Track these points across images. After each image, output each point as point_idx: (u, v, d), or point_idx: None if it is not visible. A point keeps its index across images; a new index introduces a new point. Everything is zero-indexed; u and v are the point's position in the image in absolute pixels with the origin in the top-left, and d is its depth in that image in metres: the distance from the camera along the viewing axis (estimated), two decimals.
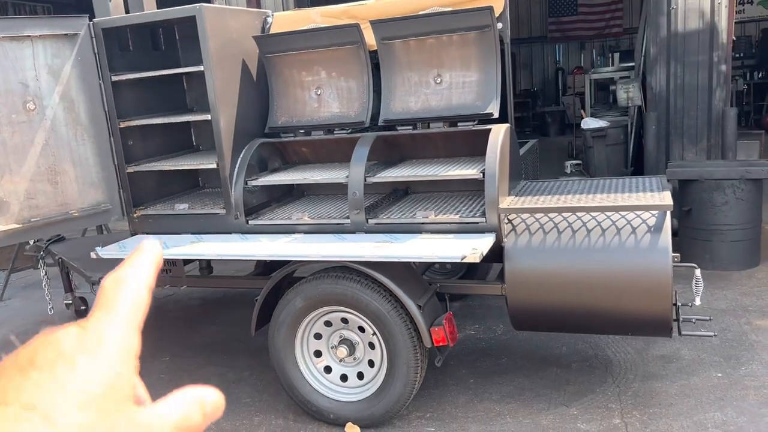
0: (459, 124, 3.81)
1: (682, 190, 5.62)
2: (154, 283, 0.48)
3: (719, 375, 3.84)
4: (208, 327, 5.42)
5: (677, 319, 3.46)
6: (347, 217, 3.73)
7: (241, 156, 4.01)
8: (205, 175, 4.91)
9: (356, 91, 4.09)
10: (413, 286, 3.51)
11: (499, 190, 3.41)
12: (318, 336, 3.68)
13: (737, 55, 13.29)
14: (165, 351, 4.96)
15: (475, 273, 4.97)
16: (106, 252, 3.89)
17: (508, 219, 3.52)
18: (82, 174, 4.02)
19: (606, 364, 4.10)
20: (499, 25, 3.69)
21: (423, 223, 3.59)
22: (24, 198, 3.78)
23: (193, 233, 4.09)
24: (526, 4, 17.50)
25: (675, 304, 3.39)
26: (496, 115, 3.68)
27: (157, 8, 4.91)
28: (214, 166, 3.99)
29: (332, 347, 3.66)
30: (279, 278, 3.72)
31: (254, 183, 4.00)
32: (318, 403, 3.66)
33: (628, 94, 7.69)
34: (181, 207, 4.19)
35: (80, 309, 5.79)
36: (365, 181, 3.64)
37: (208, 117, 3.91)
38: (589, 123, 8.46)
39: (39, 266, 5.31)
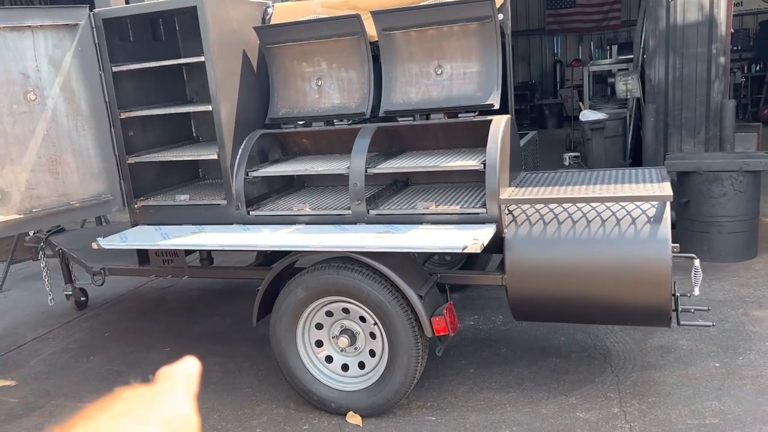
0: (460, 115, 3.82)
1: (680, 182, 5.64)
2: (199, 377, 0.62)
3: (717, 365, 3.87)
4: (209, 318, 5.43)
5: (676, 309, 3.49)
6: (348, 208, 3.74)
7: (242, 147, 4.02)
8: (205, 166, 4.92)
9: (357, 82, 4.09)
10: (414, 276, 3.53)
11: (499, 181, 3.43)
12: (319, 326, 3.70)
13: (735, 48, 13.30)
14: (166, 341, 4.98)
15: (474, 264, 4.99)
16: (107, 242, 3.90)
17: (508, 210, 3.54)
18: (82, 165, 4.02)
19: (605, 354, 4.13)
20: (500, 16, 3.69)
21: (424, 214, 3.61)
22: (25, 188, 3.78)
23: (194, 224, 4.10)
24: None
25: (674, 295, 3.41)
26: (496, 106, 3.70)
27: None
28: (215, 157, 3.99)
29: (333, 337, 3.68)
30: (280, 269, 3.73)
31: (255, 174, 4.01)
32: (319, 393, 3.69)
33: (627, 86, 7.70)
34: (182, 198, 4.20)
35: (80, 300, 5.81)
36: (366, 172, 3.65)
37: (209, 108, 3.91)
38: (587, 115, 8.47)
39: (39, 257, 5.32)
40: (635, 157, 7.77)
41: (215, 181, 4.73)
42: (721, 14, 6.44)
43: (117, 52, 4.13)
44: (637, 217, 3.28)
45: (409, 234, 3.44)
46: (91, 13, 3.96)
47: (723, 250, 5.54)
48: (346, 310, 3.62)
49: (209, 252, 4.48)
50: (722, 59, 6.52)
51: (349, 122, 4.15)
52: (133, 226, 4.30)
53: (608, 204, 3.38)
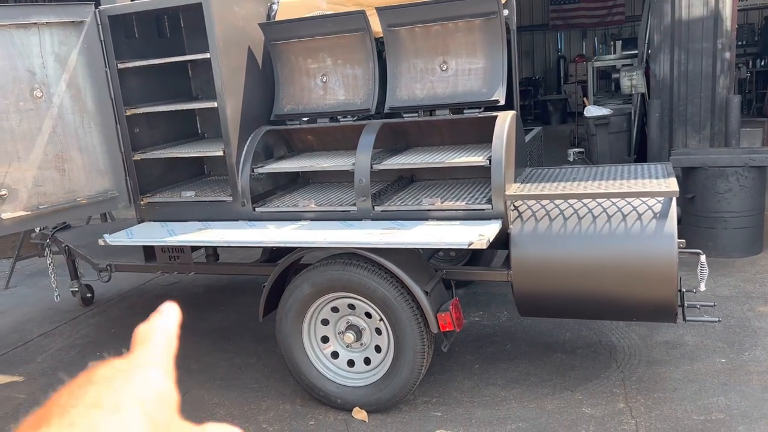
0: (465, 111, 3.82)
1: (685, 178, 5.63)
2: (178, 331, 0.57)
3: (723, 360, 3.87)
4: (214, 314, 5.45)
5: (682, 305, 3.49)
6: (353, 204, 3.74)
7: (248, 143, 4.03)
8: (210, 163, 4.93)
9: (362, 79, 4.09)
10: (420, 272, 3.53)
11: (505, 177, 3.42)
12: (325, 322, 3.71)
13: (740, 43, 13.24)
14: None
15: (479, 260, 4.99)
16: (114, 239, 3.92)
17: (514, 206, 3.54)
18: (89, 161, 4.04)
19: (610, 349, 4.14)
20: (505, 12, 3.69)
21: (429, 210, 3.61)
22: (32, 185, 3.80)
23: (199, 220, 4.11)
24: None
25: (680, 290, 3.41)
26: (502, 102, 3.69)
27: None
28: (220, 153, 4.00)
29: (339, 333, 3.69)
30: (286, 265, 3.75)
31: (260, 170, 4.02)
32: (325, 388, 3.70)
33: (631, 81, 7.69)
34: (188, 194, 4.21)
35: (86, 296, 5.83)
36: (371, 168, 3.66)
37: (215, 104, 3.92)
38: (592, 111, 8.46)
39: (45, 254, 5.34)
40: (640, 153, 7.76)
41: (221, 177, 4.74)
42: (727, 9, 6.42)
43: (122, 49, 4.14)
44: (643, 212, 3.28)
45: (414, 230, 3.45)
46: (97, 10, 3.97)
47: (728, 245, 5.54)
48: (351, 306, 3.63)
49: (215, 248, 4.49)
50: (727, 54, 6.50)
51: (354, 118, 4.15)
52: (139, 222, 4.32)
53: (614, 200, 3.38)
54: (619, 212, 3.33)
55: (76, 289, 5.63)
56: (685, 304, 3.53)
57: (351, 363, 3.72)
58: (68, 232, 5.35)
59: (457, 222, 3.51)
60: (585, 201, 3.42)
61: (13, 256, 6.62)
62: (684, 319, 3.54)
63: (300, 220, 3.87)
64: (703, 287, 3.43)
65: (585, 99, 11.04)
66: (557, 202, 3.47)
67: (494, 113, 3.64)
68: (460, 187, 4.06)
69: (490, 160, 3.46)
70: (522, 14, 17.26)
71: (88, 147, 4.02)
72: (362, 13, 3.88)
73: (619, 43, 13.48)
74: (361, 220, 3.72)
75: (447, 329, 3.39)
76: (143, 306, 5.85)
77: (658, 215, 3.25)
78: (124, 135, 4.15)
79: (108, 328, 5.35)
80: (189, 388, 4.16)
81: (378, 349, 3.64)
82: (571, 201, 3.45)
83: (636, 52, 9.75)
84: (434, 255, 4.96)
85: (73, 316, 5.66)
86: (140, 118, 4.27)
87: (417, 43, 3.87)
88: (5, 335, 5.39)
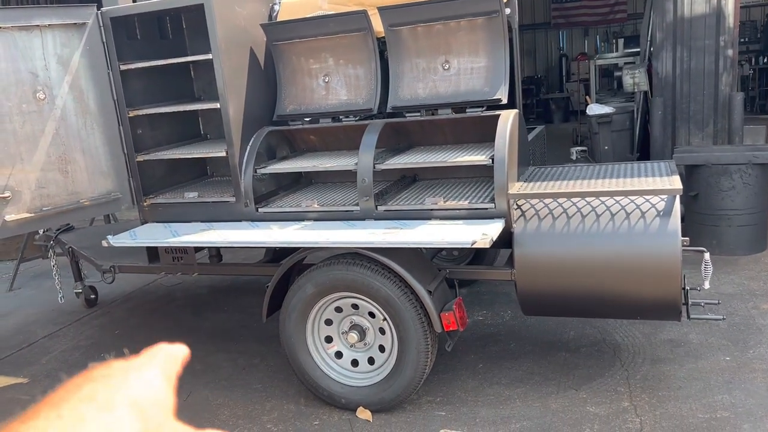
0: (467, 110, 3.82)
1: (688, 176, 5.62)
2: (181, 369, 0.57)
3: (727, 358, 3.86)
4: (217, 314, 5.46)
5: (686, 303, 3.48)
6: (356, 204, 3.74)
7: (250, 144, 4.03)
8: (213, 164, 4.93)
9: (364, 78, 4.09)
10: (423, 271, 3.53)
11: (508, 176, 3.42)
12: (329, 322, 3.72)
13: (742, 40, 13.21)
14: (175, 338, 4.91)
15: (482, 259, 4.99)
16: (117, 240, 3.92)
17: (517, 204, 3.53)
18: (92, 163, 4.04)
19: (614, 348, 4.13)
20: (507, 11, 3.69)
21: (432, 210, 3.61)
22: (35, 187, 3.81)
23: (203, 221, 4.12)
24: None
25: (684, 288, 3.40)
26: (504, 100, 3.69)
27: None
28: (223, 154, 4.01)
29: (343, 333, 3.69)
30: (289, 265, 3.75)
31: (263, 171, 4.02)
32: (329, 388, 3.70)
33: (634, 79, 7.67)
34: (191, 195, 4.21)
35: (90, 298, 5.84)
36: (374, 168, 3.65)
37: (217, 105, 3.92)
38: (594, 109, 8.44)
39: (48, 256, 5.35)
40: (643, 151, 7.74)
41: (223, 178, 4.74)
42: (729, 6, 6.40)
43: (125, 50, 4.14)
44: (647, 210, 3.28)
45: (417, 229, 3.45)
46: (99, 12, 3.98)
47: (732, 243, 5.52)
48: (355, 306, 3.63)
49: (218, 249, 4.50)
50: (730, 51, 6.48)
51: (357, 118, 4.15)
52: (142, 223, 4.32)
53: (617, 198, 3.38)
54: (622, 210, 3.32)
55: (80, 290, 5.64)
56: (690, 302, 3.52)
57: (355, 363, 3.72)
58: (72, 234, 5.36)
59: (460, 221, 3.51)
60: (588, 199, 3.42)
61: (17, 258, 6.63)
62: (688, 317, 3.53)
63: (303, 220, 3.87)
64: (707, 285, 3.43)
65: (587, 97, 11.02)
66: (560, 200, 3.47)
67: (497, 112, 3.63)
68: (463, 187, 4.05)
69: (492, 159, 3.46)
70: (524, 13, 17.25)
71: (91, 149, 4.02)
72: (364, 12, 3.88)
73: (621, 41, 13.46)
74: (364, 219, 3.72)
75: (450, 328, 3.39)
76: (147, 307, 5.86)
77: (661, 213, 3.24)
78: (127, 136, 4.16)
79: (112, 330, 5.36)
80: (193, 389, 4.17)
81: (382, 348, 3.64)
82: (574, 199, 3.44)
83: (638, 50, 9.73)
84: (437, 254, 4.96)
85: (77, 317, 5.68)
86: (143, 120, 4.27)
87: (419, 42, 3.87)
88: (10, 337, 5.40)
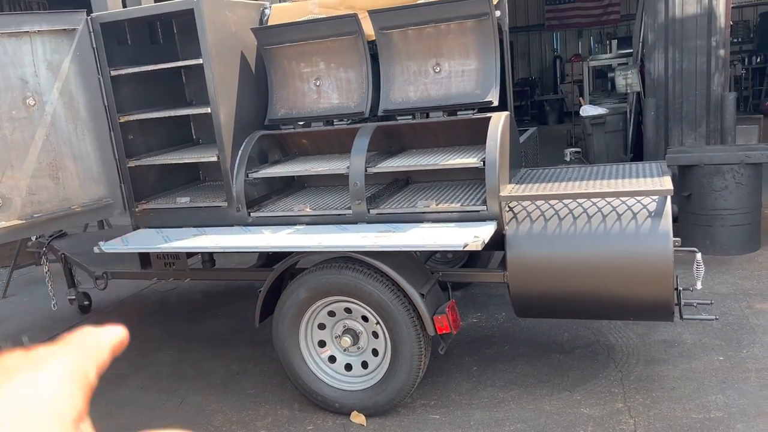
0: (459, 112, 3.82)
1: (681, 176, 5.63)
2: (113, 351, 0.51)
3: (721, 358, 3.86)
4: (211, 320, 5.44)
5: (679, 303, 3.49)
6: (349, 208, 3.74)
7: (242, 148, 4.02)
8: (205, 169, 4.92)
9: (355, 82, 4.09)
10: (416, 275, 3.53)
11: (499, 178, 3.42)
12: (322, 326, 3.70)
13: (735, 40, 13.27)
14: (169, 344, 4.99)
15: (476, 262, 4.99)
16: (109, 246, 3.91)
17: (509, 207, 3.53)
18: (83, 169, 4.03)
19: (608, 349, 4.13)
20: (497, 13, 3.69)
21: (424, 213, 3.60)
22: (26, 194, 3.79)
23: (195, 226, 4.10)
24: None
25: (676, 289, 3.41)
26: (495, 103, 3.69)
27: (155, 1, 4.90)
28: (214, 159, 4.00)
29: (336, 337, 3.68)
30: (282, 269, 3.74)
31: (255, 175, 4.01)
32: (323, 393, 3.69)
33: (626, 80, 7.69)
34: (183, 200, 4.20)
35: (84, 304, 5.82)
36: (366, 171, 3.65)
37: (208, 110, 3.91)
38: (588, 110, 8.46)
39: (41, 262, 5.33)
40: (636, 152, 7.76)
41: (215, 183, 4.73)
42: (720, 6, 6.43)
43: (115, 55, 4.13)
44: (638, 211, 3.28)
45: (410, 232, 3.44)
46: (89, 17, 3.97)
47: (725, 243, 5.53)
48: (348, 310, 3.62)
49: (211, 254, 4.48)
50: (722, 51, 6.50)
51: (348, 122, 4.15)
52: (134, 229, 4.31)
53: (609, 199, 3.38)
54: (614, 212, 3.32)
55: (74, 296, 5.60)
56: (682, 303, 3.52)
57: (348, 367, 3.71)
58: (65, 240, 5.34)
59: (453, 224, 3.51)
60: (580, 201, 3.42)
61: (10, 265, 6.60)
62: (681, 317, 3.54)
63: (295, 224, 3.86)
64: (699, 285, 3.42)
65: (581, 98, 11.04)
66: (552, 202, 3.46)
67: (488, 114, 3.63)
68: (455, 189, 4.05)
69: (484, 162, 3.46)
70: (518, 14, 17.30)
71: (82, 155, 4.01)
72: (354, 16, 3.88)
73: (614, 42, 13.51)
74: (356, 223, 3.71)
75: (444, 331, 3.39)
76: (141, 312, 5.84)
77: (653, 214, 3.25)
78: (118, 142, 4.14)
79: None
80: (186, 394, 4.15)
81: (375, 352, 3.63)
82: (566, 201, 3.44)
83: (631, 50, 9.76)
84: (431, 257, 4.95)
85: (70, 324, 5.65)
86: (134, 125, 4.26)
87: (409, 45, 3.87)
88: (3, 344, 5.37)
